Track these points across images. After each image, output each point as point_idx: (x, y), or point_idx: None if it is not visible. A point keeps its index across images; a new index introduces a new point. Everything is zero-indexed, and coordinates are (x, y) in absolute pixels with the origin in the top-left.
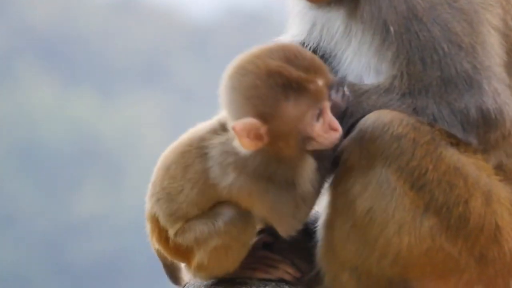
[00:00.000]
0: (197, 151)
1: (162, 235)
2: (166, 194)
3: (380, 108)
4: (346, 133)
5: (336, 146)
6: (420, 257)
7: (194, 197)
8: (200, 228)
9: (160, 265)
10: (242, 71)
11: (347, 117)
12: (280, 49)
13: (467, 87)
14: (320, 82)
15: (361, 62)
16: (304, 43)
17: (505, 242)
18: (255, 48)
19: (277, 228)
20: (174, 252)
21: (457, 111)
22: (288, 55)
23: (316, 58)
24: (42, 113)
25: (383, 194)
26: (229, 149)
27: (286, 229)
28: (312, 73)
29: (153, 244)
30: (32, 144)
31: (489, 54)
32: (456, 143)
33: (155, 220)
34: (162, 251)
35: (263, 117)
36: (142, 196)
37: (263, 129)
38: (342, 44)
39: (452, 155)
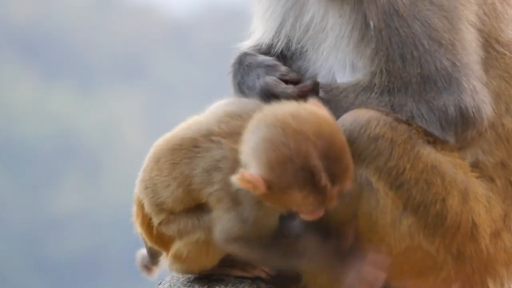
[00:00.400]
0: (186, 152)
1: (145, 220)
2: (153, 185)
3: (358, 106)
4: None
5: None
6: (398, 256)
7: (179, 195)
8: (184, 221)
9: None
10: (283, 139)
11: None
12: (329, 141)
13: (446, 85)
14: (338, 190)
15: (337, 58)
16: (271, 44)
17: (481, 239)
18: (308, 112)
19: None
20: (155, 239)
21: (436, 109)
22: (331, 155)
23: (350, 165)
24: (21, 109)
25: (364, 195)
26: (220, 166)
27: (215, 240)
28: (338, 184)
29: (136, 227)
30: (11, 140)
31: (467, 51)
32: (433, 141)
33: (140, 205)
34: (143, 235)
35: (271, 184)
36: (121, 192)
37: (264, 189)
38: (318, 39)
39: (429, 153)
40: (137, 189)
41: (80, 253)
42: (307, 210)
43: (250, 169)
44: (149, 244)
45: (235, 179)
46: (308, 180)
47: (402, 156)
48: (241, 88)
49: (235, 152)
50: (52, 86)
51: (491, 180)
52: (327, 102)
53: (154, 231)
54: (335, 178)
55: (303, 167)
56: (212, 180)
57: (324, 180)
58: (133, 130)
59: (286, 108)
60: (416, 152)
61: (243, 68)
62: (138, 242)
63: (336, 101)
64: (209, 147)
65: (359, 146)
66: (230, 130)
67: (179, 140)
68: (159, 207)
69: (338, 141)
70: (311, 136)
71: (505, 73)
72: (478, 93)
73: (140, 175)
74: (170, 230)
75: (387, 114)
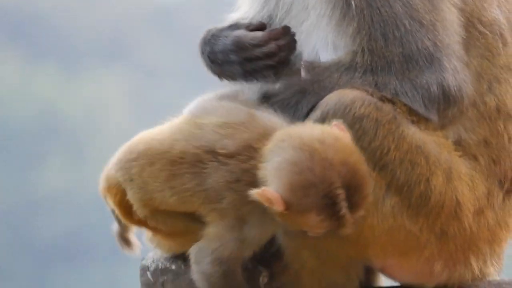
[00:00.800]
0: (188, 166)
1: (123, 203)
2: (143, 183)
3: (342, 86)
4: (308, 111)
5: None
6: (381, 236)
7: (173, 202)
8: (172, 220)
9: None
10: (309, 164)
11: (310, 95)
12: (352, 170)
13: (428, 64)
14: (354, 217)
15: (319, 37)
16: (254, 21)
17: (465, 218)
18: (333, 138)
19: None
20: (137, 222)
21: (419, 87)
22: (353, 183)
23: (369, 193)
24: (4, 90)
25: None
26: (232, 187)
27: (198, 256)
28: (355, 212)
29: (109, 204)
30: None
31: (449, 31)
32: (417, 121)
33: (120, 190)
34: (120, 216)
35: (290, 205)
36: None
37: (282, 208)
38: (300, 18)
39: (414, 133)
40: (116, 172)
41: (64, 234)
42: (319, 232)
43: (270, 186)
44: (126, 224)
45: (254, 193)
46: (329, 207)
47: (386, 136)
48: (213, 58)
49: (249, 172)
50: (37, 68)
51: (474, 158)
52: (310, 82)
53: (135, 217)
54: (354, 206)
55: (325, 195)
56: (221, 198)
57: (344, 209)
58: (118, 111)
59: (312, 132)
60: (400, 132)
61: (209, 40)
62: None
63: (320, 80)
64: (218, 167)
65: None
66: (238, 146)
67: (179, 153)
68: (145, 202)
69: (361, 170)
70: (336, 163)
71: (487, 52)
72: (459, 72)
73: (123, 160)
74: (158, 224)
75: (372, 94)
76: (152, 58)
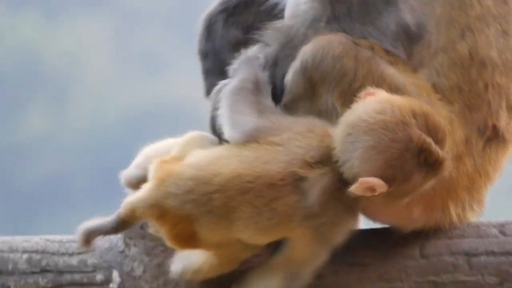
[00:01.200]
0: (291, 188)
1: (184, 232)
2: (227, 212)
3: (311, 38)
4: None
5: None
6: None
7: (265, 224)
8: (239, 244)
9: (104, 188)
10: (390, 136)
11: (284, 60)
12: (422, 115)
13: (384, 5)
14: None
15: None
16: None
17: None
18: (383, 100)
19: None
20: (187, 247)
21: (381, 28)
22: (430, 126)
23: (444, 126)
24: None
25: (329, 121)
26: (337, 195)
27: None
28: (445, 150)
29: (152, 227)
30: None
31: None
32: (395, 62)
33: (184, 220)
34: (169, 241)
35: (392, 181)
36: (88, 120)
37: (384, 189)
38: None
39: (393, 74)
40: (184, 204)
41: (46, 179)
42: (424, 190)
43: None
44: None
45: (353, 189)
46: (425, 159)
47: (366, 77)
48: (202, 70)
49: (341, 179)
50: (18, 13)
51: (450, 103)
52: (281, 47)
53: (189, 243)
54: (441, 145)
55: (420, 150)
56: (323, 211)
57: (440, 152)
58: (101, 57)
59: (366, 110)
60: (380, 73)
61: (206, 55)
62: (103, 169)
63: (288, 42)
64: (319, 177)
65: (324, 69)
66: (321, 154)
67: (276, 174)
68: (220, 231)
69: (426, 109)
70: (408, 119)
71: (457, 2)
72: (416, 10)
73: (194, 193)
74: (218, 250)
75: (345, 36)
76: (135, 2)
